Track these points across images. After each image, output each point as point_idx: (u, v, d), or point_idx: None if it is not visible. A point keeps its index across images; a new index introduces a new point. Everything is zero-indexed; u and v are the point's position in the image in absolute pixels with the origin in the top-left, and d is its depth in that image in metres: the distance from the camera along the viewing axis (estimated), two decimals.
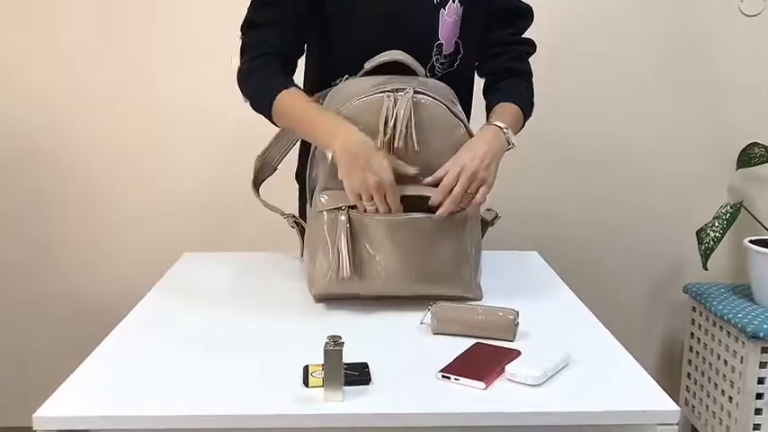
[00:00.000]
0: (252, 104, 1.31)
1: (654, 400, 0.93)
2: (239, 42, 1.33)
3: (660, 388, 0.95)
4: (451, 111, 1.23)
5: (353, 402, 0.91)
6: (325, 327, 1.15)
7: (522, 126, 1.39)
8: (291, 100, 1.27)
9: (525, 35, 1.47)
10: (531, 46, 1.47)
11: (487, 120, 1.34)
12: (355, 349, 1.05)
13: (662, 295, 2.29)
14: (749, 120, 2.17)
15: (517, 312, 1.12)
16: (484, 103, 1.44)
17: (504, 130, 1.27)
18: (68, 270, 2.20)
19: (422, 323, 1.16)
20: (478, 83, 1.49)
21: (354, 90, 1.23)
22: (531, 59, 1.48)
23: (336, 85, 1.33)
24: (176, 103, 2.12)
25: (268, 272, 1.44)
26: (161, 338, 1.12)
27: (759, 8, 2.11)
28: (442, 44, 1.36)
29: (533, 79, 1.46)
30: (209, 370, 1.01)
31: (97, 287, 2.19)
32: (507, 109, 1.35)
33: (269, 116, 1.29)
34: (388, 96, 1.19)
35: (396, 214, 1.19)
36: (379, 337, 1.12)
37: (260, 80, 1.30)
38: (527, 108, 1.40)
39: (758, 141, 2.10)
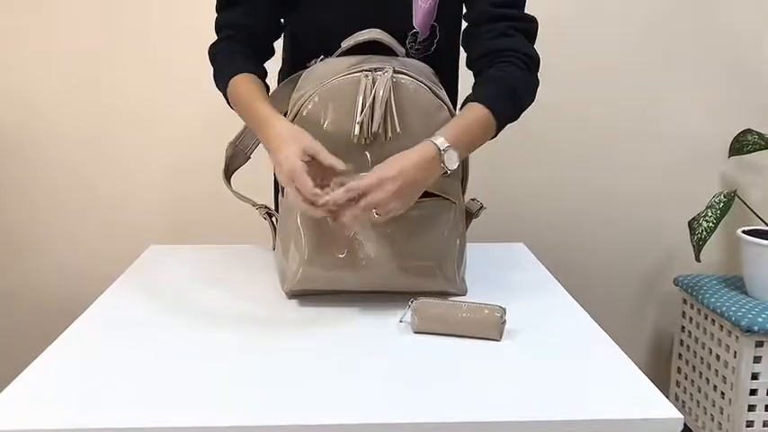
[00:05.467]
0: (216, 85, 1.27)
1: (655, 407, 0.85)
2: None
3: (661, 393, 0.87)
4: (434, 92, 1.14)
5: (319, 413, 0.83)
6: (296, 326, 1.08)
7: (498, 131, 1.16)
8: (243, 87, 1.19)
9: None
10: (524, 21, 1.21)
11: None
12: (328, 351, 0.98)
13: (652, 287, 2.23)
14: (742, 105, 2.10)
15: (504, 309, 1.04)
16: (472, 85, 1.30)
17: (442, 151, 1.05)
18: (30, 262, 2.10)
19: (401, 321, 1.08)
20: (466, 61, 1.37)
21: (329, 70, 1.15)
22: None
23: (311, 66, 1.24)
24: (145, 90, 2.03)
25: (237, 266, 1.35)
26: (115, 341, 1.03)
27: None
28: (417, 32, 1.28)
29: (535, 62, 1.20)
30: (166, 377, 0.91)
31: (60, 281, 2.10)
32: (468, 115, 1.12)
33: (226, 99, 1.25)
34: (366, 76, 1.11)
35: None
36: (354, 338, 1.04)
37: (220, 61, 1.26)
38: (505, 106, 1.15)
39: (751, 128, 2.03)
